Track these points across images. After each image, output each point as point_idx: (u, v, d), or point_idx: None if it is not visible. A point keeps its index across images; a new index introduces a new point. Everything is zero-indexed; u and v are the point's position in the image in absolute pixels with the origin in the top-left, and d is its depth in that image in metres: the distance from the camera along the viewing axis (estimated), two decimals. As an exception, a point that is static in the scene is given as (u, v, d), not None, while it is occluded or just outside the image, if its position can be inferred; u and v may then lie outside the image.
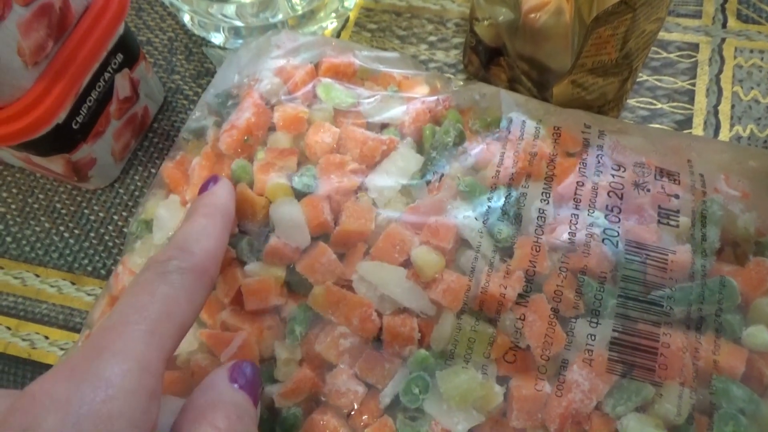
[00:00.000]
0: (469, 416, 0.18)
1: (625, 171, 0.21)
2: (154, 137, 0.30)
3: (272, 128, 0.22)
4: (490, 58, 0.28)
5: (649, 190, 0.20)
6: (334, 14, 0.32)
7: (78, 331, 0.26)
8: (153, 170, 0.29)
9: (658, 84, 0.29)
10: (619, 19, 0.22)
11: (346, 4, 0.32)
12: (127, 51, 0.27)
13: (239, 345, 0.19)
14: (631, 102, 0.29)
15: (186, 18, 0.31)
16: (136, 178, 0.29)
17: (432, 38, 0.32)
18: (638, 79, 0.29)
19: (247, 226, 0.21)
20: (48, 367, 0.25)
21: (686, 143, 0.22)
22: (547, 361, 0.18)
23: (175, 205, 0.22)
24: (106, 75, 0.26)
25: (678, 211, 0.20)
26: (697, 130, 0.28)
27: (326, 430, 0.18)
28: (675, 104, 0.28)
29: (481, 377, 0.18)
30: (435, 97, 0.23)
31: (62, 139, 0.25)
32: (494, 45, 0.27)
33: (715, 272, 0.19)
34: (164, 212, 0.22)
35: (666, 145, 0.22)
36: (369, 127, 0.23)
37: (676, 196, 0.20)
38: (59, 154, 0.25)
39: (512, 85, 0.28)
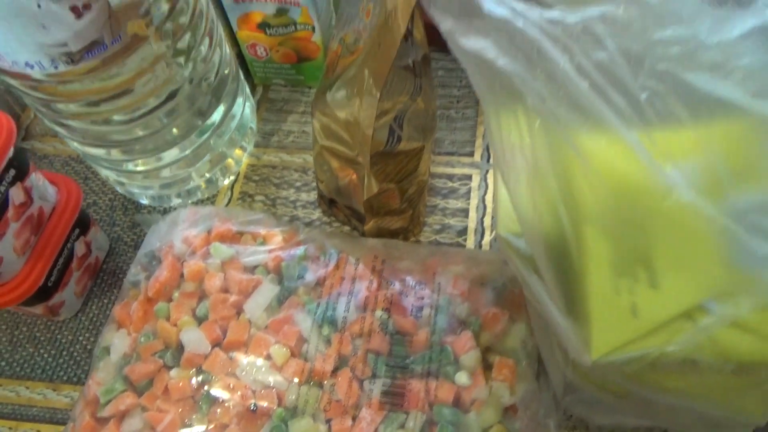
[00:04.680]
0: (308, 445, 0.31)
1: (395, 285, 0.35)
2: (104, 275, 0.43)
3: (183, 277, 0.36)
4: (330, 203, 0.42)
5: (407, 296, 0.34)
6: (229, 172, 0.46)
7: (62, 424, 0.38)
8: (105, 300, 0.42)
9: (447, 205, 0.44)
10: (387, 190, 0.36)
11: (240, 163, 0.46)
12: (82, 225, 0.40)
13: (168, 421, 0.32)
14: (429, 220, 0.43)
15: (118, 187, 0.44)
16: (93, 307, 0.42)
17: (298, 183, 0.46)
18: (434, 204, 0.44)
19: (169, 345, 0.33)
20: (41, 451, 0.37)
21: (439, 260, 0.36)
22: (349, 407, 0.31)
23: (123, 336, 0.34)
24: (69, 244, 0.39)
25: (422, 308, 0.34)
26: (470, 235, 0.42)
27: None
28: (457, 219, 0.43)
29: (313, 421, 0.31)
30: (287, 246, 0.37)
31: (42, 294, 0.37)
32: (330, 196, 0.41)
33: (442, 343, 0.32)
34: (117, 341, 0.34)
35: (424, 264, 0.36)
36: (245, 269, 0.36)
37: (422, 298, 0.34)
38: (40, 303, 0.38)
39: (348, 220, 0.42)
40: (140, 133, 0.36)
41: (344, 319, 0.33)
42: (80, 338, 0.41)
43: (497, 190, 0.31)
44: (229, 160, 0.45)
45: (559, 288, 0.26)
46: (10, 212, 0.33)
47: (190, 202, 0.45)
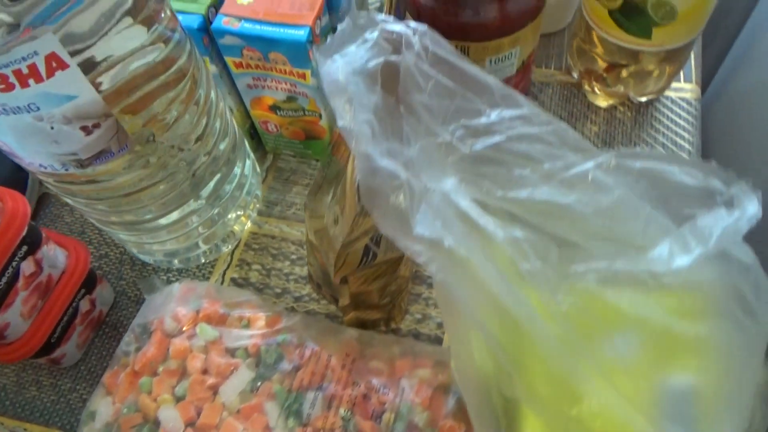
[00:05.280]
0: None
1: (361, 386, 0.37)
2: (106, 328, 0.46)
3: (169, 353, 0.38)
4: (318, 286, 0.44)
5: (371, 399, 0.36)
6: (233, 238, 0.49)
7: (51, 468, 0.41)
8: (104, 352, 0.45)
9: (430, 295, 0.46)
10: (366, 292, 0.38)
11: (243, 229, 0.49)
12: (89, 285, 0.43)
13: (139, 492, 0.34)
14: (412, 308, 0.45)
15: (125, 246, 0.48)
16: (93, 358, 0.45)
17: (293, 256, 0.48)
18: (418, 292, 0.46)
19: (147, 420, 0.36)
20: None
21: (408, 361, 0.38)
22: (302, 503, 0.33)
23: (108, 404, 0.37)
24: (74, 303, 0.42)
25: (384, 412, 0.36)
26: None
27: None
28: (438, 310, 0.45)
29: None
30: (268, 332, 0.39)
31: (46, 350, 0.41)
32: (318, 281, 0.43)
33: (396, 450, 0.34)
34: (102, 408, 0.37)
35: (393, 366, 0.38)
36: (227, 351, 0.39)
37: (385, 403, 0.36)
38: (45, 357, 0.41)
39: (335, 302, 0.44)
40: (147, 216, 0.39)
41: (309, 415, 0.36)
42: (78, 387, 0.44)
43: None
44: (235, 227, 0.48)
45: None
46: (20, 283, 0.37)
47: (191, 266, 0.48)
